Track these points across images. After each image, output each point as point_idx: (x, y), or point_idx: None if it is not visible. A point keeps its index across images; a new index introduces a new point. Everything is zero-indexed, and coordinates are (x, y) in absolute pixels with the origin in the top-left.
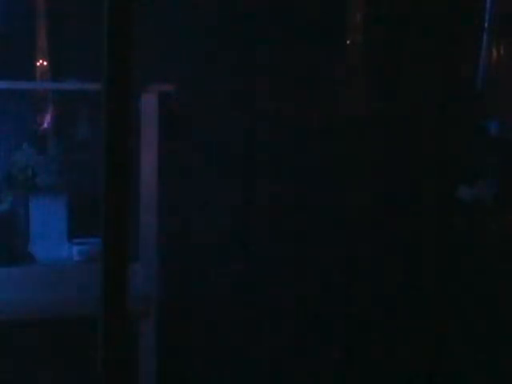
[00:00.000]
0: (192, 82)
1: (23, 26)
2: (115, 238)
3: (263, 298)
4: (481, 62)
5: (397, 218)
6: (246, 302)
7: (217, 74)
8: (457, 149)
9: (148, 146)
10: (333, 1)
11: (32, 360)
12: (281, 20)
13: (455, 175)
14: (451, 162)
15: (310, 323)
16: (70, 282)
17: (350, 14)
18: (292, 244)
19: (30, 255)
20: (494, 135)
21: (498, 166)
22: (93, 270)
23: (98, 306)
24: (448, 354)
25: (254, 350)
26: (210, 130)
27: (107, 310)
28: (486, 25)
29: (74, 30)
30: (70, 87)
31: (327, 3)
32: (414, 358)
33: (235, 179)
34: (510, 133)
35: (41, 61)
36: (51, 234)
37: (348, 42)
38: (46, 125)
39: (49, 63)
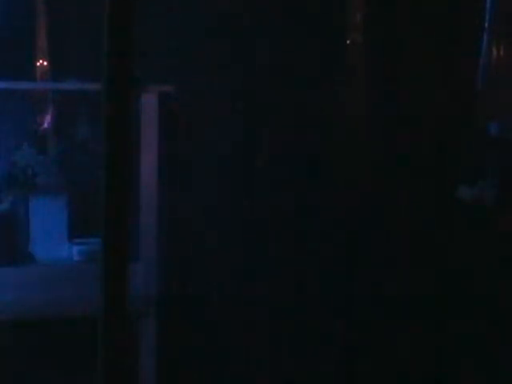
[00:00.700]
0: (192, 82)
1: (23, 25)
2: (115, 238)
3: (263, 297)
4: (481, 62)
5: (397, 218)
6: (246, 302)
7: (217, 74)
8: (457, 149)
9: (148, 146)
10: (333, 1)
11: (32, 360)
12: (281, 20)
13: (455, 175)
14: (451, 162)
15: (310, 323)
16: (70, 282)
17: (349, 14)
18: (292, 244)
19: (30, 255)
20: (493, 135)
21: (497, 165)
22: (93, 270)
23: (98, 305)
24: (448, 354)
25: (254, 349)
26: (210, 129)
27: (107, 310)
28: (486, 25)
29: (74, 30)
30: (70, 87)
31: (327, 3)
32: (414, 358)
33: (235, 179)
34: (510, 133)
35: (41, 61)
36: (51, 234)
37: (348, 42)
38: (46, 125)
39: (49, 63)
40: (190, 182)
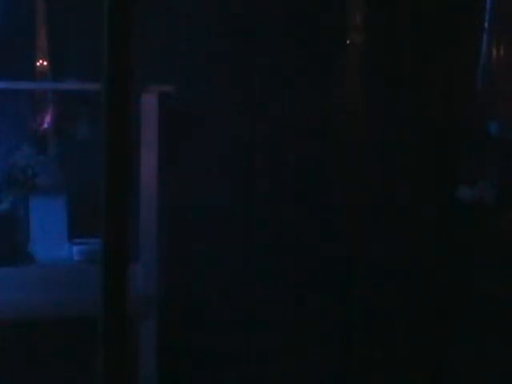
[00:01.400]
0: (192, 82)
1: (23, 26)
2: (115, 237)
3: (263, 297)
4: (481, 62)
5: (397, 218)
6: (246, 302)
7: (217, 74)
8: (457, 149)
9: (148, 146)
10: (333, 1)
11: (32, 360)
12: (281, 20)
13: (455, 175)
14: (451, 162)
15: (311, 323)
16: (70, 282)
17: (349, 14)
18: (292, 244)
19: (30, 255)
20: (493, 135)
21: (497, 165)
22: (93, 270)
23: (98, 305)
24: (447, 354)
25: (254, 350)
26: (210, 129)
27: (107, 310)
28: (485, 25)
29: (74, 30)
30: (70, 87)
31: (327, 3)
32: (414, 358)
33: (235, 179)
34: (510, 133)
35: (41, 61)
36: (51, 234)
37: (348, 42)
38: (45, 125)
39: (49, 63)
40: (190, 182)
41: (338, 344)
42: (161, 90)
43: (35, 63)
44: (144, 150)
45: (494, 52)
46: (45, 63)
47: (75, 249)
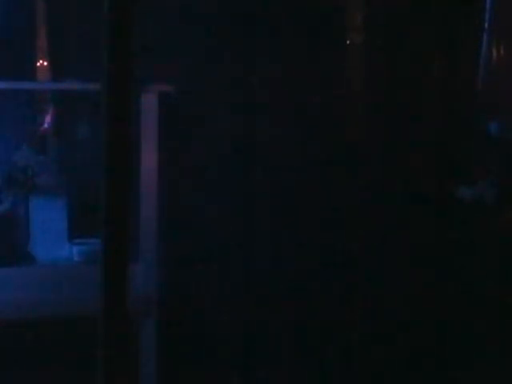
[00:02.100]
0: (192, 82)
1: (23, 26)
2: (115, 237)
3: (263, 297)
4: (481, 62)
5: (397, 217)
6: (246, 302)
7: (217, 74)
8: (457, 149)
9: (148, 146)
10: (333, 1)
11: (32, 360)
12: (281, 20)
13: (455, 175)
14: (451, 162)
15: (311, 323)
16: (70, 281)
17: (349, 14)
18: (292, 243)
19: (30, 255)
20: (493, 135)
21: (498, 165)
22: (93, 270)
23: (98, 305)
24: (448, 354)
25: (254, 350)
26: (210, 129)
27: (107, 309)
28: (485, 25)
29: (74, 30)
30: (70, 87)
31: (327, 3)
32: (414, 358)
33: (235, 179)
34: (510, 133)
35: (41, 61)
36: (51, 234)
37: (348, 42)
38: (46, 125)
39: (49, 63)
40: (190, 182)
41: (338, 344)
42: (161, 90)
43: (35, 63)
44: (144, 150)
45: (494, 52)
46: (45, 63)
47: (75, 249)
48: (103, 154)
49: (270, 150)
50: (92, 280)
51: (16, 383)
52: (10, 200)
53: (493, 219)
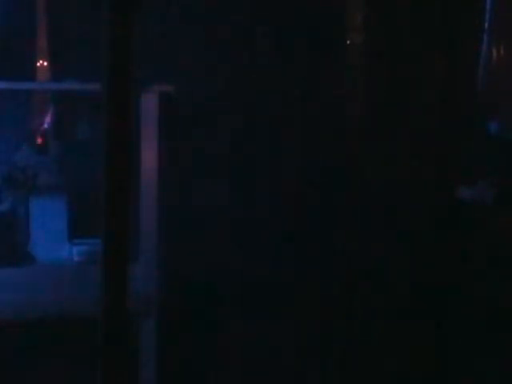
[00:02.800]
0: (193, 82)
1: (23, 26)
2: (115, 237)
3: (263, 298)
4: (481, 62)
5: (397, 217)
6: (246, 302)
7: (217, 74)
8: (457, 149)
9: (148, 146)
10: (333, 1)
11: (32, 360)
12: (281, 20)
13: (455, 175)
14: (451, 162)
15: (311, 323)
16: (70, 282)
17: (350, 14)
18: (292, 243)
19: (30, 255)
20: (493, 135)
21: (498, 165)
22: (93, 270)
23: (98, 305)
24: (448, 354)
25: (254, 350)
26: (210, 129)
27: (107, 309)
28: (486, 25)
29: (74, 29)
30: (70, 87)
31: (327, 3)
32: (414, 358)
33: (235, 179)
34: (510, 133)
35: (41, 61)
36: (51, 234)
37: (348, 42)
38: (46, 125)
39: (49, 63)
40: (190, 182)
41: (338, 344)
42: (161, 89)
43: (35, 63)
44: (144, 150)
45: (494, 52)
46: (45, 63)
47: (75, 249)
48: (103, 154)
49: (271, 150)
50: (92, 280)
51: (16, 383)
52: (9, 200)
53: (493, 219)
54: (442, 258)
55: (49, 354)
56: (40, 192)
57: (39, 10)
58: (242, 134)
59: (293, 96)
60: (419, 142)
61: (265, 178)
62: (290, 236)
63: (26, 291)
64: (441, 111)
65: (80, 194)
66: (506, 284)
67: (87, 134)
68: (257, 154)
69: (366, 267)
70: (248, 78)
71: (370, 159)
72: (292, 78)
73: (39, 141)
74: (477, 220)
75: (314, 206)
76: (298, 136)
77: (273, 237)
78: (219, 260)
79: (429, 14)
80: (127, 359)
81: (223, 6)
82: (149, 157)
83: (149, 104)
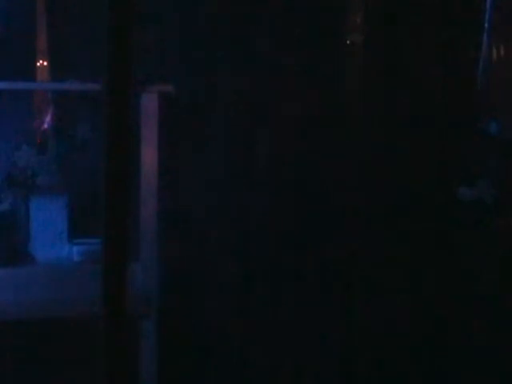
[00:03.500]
0: (192, 82)
1: (23, 25)
2: (115, 237)
3: (263, 298)
4: (481, 62)
5: (397, 217)
6: (246, 302)
7: (217, 74)
8: (457, 149)
9: (148, 146)
10: (333, 1)
11: (32, 360)
12: (281, 20)
13: (455, 175)
14: (451, 162)
15: (311, 324)
16: (70, 282)
17: (349, 14)
18: (292, 243)
19: (30, 255)
20: (493, 135)
21: (498, 166)
22: (93, 270)
23: (98, 305)
24: (448, 354)
25: (254, 350)
26: (210, 129)
27: (107, 310)
28: (485, 25)
29: (74, 29)
30: (70, 87)
31: (327, 3)
32: (414, 358)
33: (235, 179)
34: (510, 133)
35: (41, 61)
36: (51, 234)
37: (348, 42)
38: (45, 125)
39: (49, 63)
40: (190, 182)
41: (338, 344)
42: (161, 89)
43: (35, 63)
44: (144, 150)
45: (494, 52)
46: (45, 63)
47: (75, 249)
48: (103, 154)
49: (271, 150)
50: (92, 280)
51: (16, 383)
52: (9, 200)
53: (493, 219)
54: (442, 258)
55: (49, 354)
56: (40, 192)
57: (39, 10)
58: (242, 134)
59: (293, 95)
60: (419, 142)
61: (265, 178)
62: (290, 236)
63: (26, 291)
64: (441, 111)
65: (80, 193)
66: (507, 284)
67: (87, 134)
68: (257, 154)
69: (364, 267)
70: (248, 78)
71: (369, 160)
72: (292, 77)
73: (39, 141)
74: (477, 220)
75: (314, 207)
76: (298, 136)
77: (272, 237)
78: (219, 259)
79: (429, 13)
80: (127, 359)
81: (222, 5)
82: (149, 157)
83: (149, 104)
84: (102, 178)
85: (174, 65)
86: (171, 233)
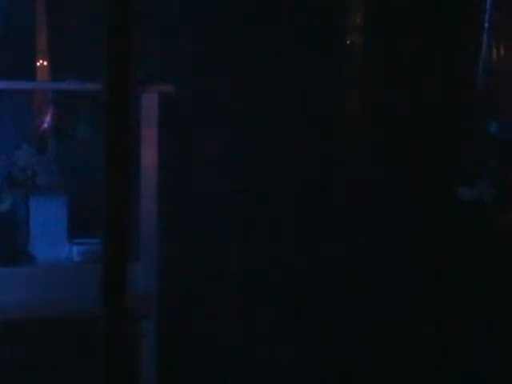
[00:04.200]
0: (192, 82)
1: (23, 25)
2: (115, 237)
3: (263, 297)
4: (481, 62)
5: (396, 217)
6: (247, 302)
7: (217, 74)
8: (457, 149)
9: (148, 146)
10: (333, 1)
11: (32, 360)
12: (281, 20)
13: (455, 175)
14: (451, 162)
15: (311, 324)
16: (70, 282)
17: (350, 14)
18: (292, 243)
19: (30, 255)
20: (493, 135)
21: (498, 165)
22: (93, 270)
23: (98, 305)
24: (448, 354)
25: (254, 349)
26: (210, 129)
27: (107, 309)
28: (485, 25)
29: (74, 29)
30: (70, 87)
31: (327, 3)
32: (414, 358)
33: (236, 179)
34: (510, 133)
35: (41, 61)
36: (51, 234)
37: (348, 42)
38: (46, 125)
39: (49, 63)
40: (190, 182)
41: (339, 344)
42: (161, 89)
43: (35, 63)
44: (144, 150)
45: (494, 52)
46: (45, 63)
47: (75, 249)
48: (103, 154)
49: (271, 150)
50: (92, 280)
51: (16, 383)
52: (9, 200)
53: (493, 219)
54: (441, 258)
55: (49, 354)
56: (40, 192)
57: (39, 10)
58: (241, 134)
59: (293, 95)
60: (419, 142)
61: (265, 177)
62: (290, 236)
63: (26, 291)
64: (441, 111)
65: (80, 194)
66: (506, 283)
67: (87, 134)
68: (257, 154)
69: (364, 267)
70: (247, 78)
71: (369, 160)
72: (292, 77)
73: (39, 141)
74: (477, 220)
75: (314, 207)
76: (297, 136)
77: (274, 236)
78: (219, 259)
79: (429, 13)
80: (127, 359)
81: (222, 5)
82: (149, 156)
83: (149, 104)
84: (102, 178)
85: (174, 65)
86: (171, 233)
